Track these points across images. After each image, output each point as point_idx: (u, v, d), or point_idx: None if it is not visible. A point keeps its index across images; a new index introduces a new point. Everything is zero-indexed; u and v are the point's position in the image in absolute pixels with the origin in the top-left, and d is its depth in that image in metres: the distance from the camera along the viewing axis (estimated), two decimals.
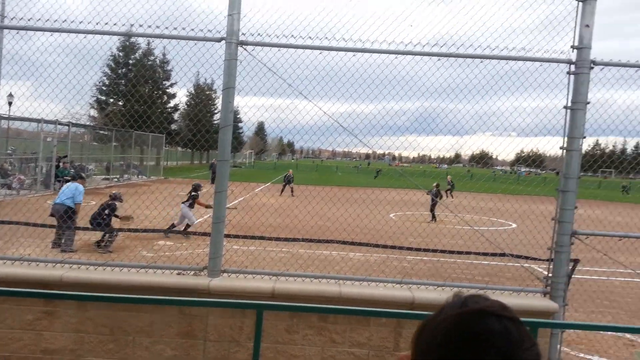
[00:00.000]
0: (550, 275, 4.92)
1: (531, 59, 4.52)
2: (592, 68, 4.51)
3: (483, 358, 0.96)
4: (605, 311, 8.85)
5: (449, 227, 17.29)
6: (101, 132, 34.98)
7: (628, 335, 7.30)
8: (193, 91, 54.48)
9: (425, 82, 4.72)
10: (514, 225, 20.24)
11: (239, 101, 4.99)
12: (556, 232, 4.79)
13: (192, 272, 5.11)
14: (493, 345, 0.96)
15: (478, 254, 5.16)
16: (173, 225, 13.88)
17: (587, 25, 4.40)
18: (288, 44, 4.44)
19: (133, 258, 10.73)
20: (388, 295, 4.84)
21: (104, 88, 45.03)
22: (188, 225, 14.25)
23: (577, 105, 4.52)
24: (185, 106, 56.33)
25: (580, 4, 4.46)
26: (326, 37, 4.51)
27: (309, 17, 4.54)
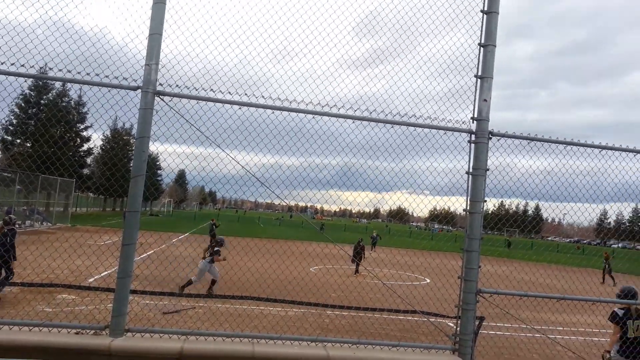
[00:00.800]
0: (458, 332, 5.09)
1: (436, 127, 4.89)
2: (490, 138, 4.95)
3: None
4: None
5: (364, 283, 17.49)
6: (4, 174, 32.24)
7: None
8: (110, 135, 52.34)
9: (346, 139, 4.94)
10: (428, 281, 20.95)
11: (157, 148, 4.86)
12: (462, 290, 5.02)
13: (93, 331, 4.71)
14: None
15: (391, 310, 5.25)
16: (190, 282, 13.21)
17: (485, 100, 4.87)
18: (207, 97, 4.45)
19: (26, 315, 9.72)
20: (302, 354, 4.74)
21: (10, 128, 42.01)
22: (214, 282, 13.59)
23: (478, 172, 4.90)
24: (100, 150, 53.81)
25: (479, 80, 4.95)
26: (245, 94, 4.57)
27: (229, 72, 4.61)
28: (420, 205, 5.47)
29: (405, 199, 5.50)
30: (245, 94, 4.51)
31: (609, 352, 7.73)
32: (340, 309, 5.70)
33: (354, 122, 4.91)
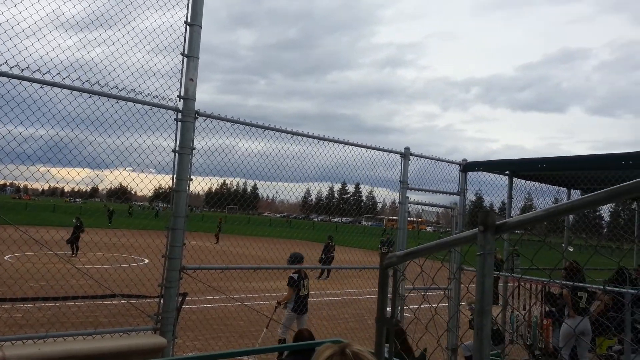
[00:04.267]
0: (160, 310, 5.06)
1: (141, 102, 4.65)
2: (197, 118, 5.03)
3: None
4: (221, 336, 9.79)
5: (68, 269, 15.88)
6: None
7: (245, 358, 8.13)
8: None
9: (60, 109, 4.29)
10: (147, 261, 20.37)
11: None
12: (166, 268, 5.00)
13: None
14: None
15: (86, 297, 4.85)
16: None
17: (192, 79, 4.89)
18: None
19: None
20: None
21: None
22: None
23: (184, 150, 4.91)
24: None
25: (185, 58, 4.93)
26: None
27: None
28: (145, 184, 5.21)
29: (132, 177, 5.12)
30: None
31: (279, 303, 9.19)
32: (34, 301, 4.97)
33: (62, 90, 4.29)
